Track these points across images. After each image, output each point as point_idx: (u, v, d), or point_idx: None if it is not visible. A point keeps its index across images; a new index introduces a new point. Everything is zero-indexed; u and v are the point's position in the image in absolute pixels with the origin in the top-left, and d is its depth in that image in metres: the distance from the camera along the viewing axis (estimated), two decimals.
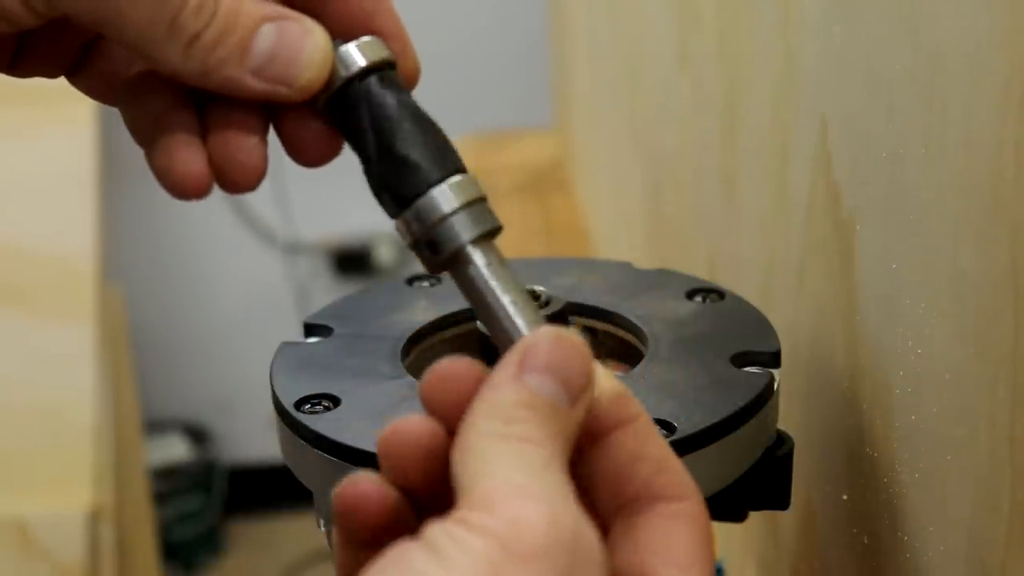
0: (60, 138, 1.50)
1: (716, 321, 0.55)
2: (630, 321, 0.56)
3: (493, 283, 0.40)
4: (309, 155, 0.44)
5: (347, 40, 0.43)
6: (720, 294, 0.57)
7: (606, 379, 0.38)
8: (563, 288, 0.57)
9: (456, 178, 0.41)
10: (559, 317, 0.52)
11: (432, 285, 0.60)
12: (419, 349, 0.56)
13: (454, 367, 0.37)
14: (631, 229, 1.08)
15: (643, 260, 0.80)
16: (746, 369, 0.51)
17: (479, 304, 0.40)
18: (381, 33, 0.43)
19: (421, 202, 0.41)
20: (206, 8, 0.41)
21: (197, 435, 2.42)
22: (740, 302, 0.57)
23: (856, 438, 0.53)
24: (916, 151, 0.44)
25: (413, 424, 0.37)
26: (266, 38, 0.42)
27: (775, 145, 0.61)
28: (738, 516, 0.52)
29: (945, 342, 0.44)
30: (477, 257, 0.40)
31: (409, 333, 0.55)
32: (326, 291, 2.34)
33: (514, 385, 0.36)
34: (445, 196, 0.41)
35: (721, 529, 0.51)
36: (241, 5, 0.42)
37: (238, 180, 0.43)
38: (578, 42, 1.42)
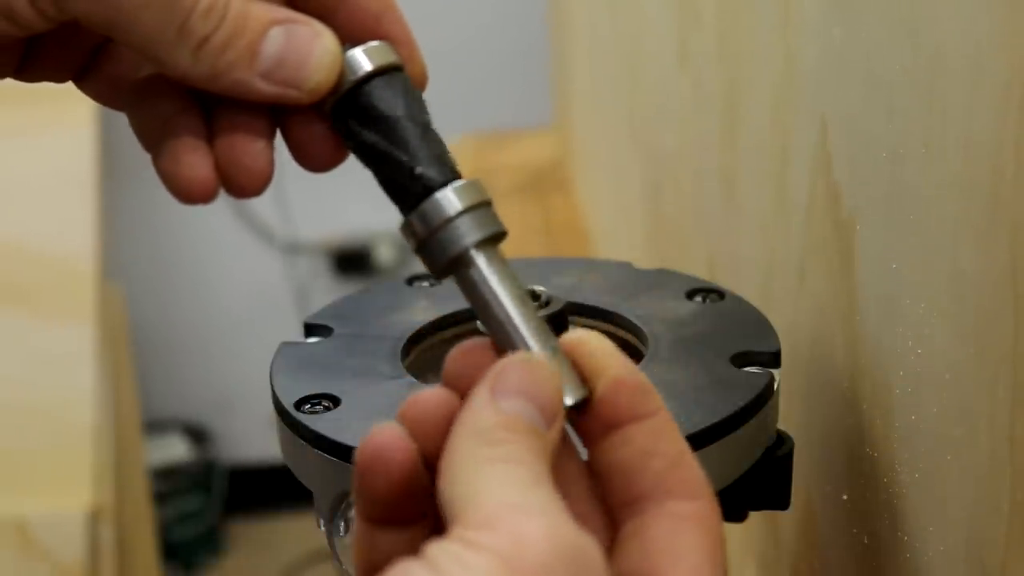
0: (60, 138, 1.50)
1: (716, 321, 0.55)
2: (630, 321, 0.56)
3: (496, 288, 0.40)
4: (316, 160, 0.44)
5: (355, 45, 0.43)
6: (720, 294, 0.57)
7: (625, 368, 0.38)
8: (563, 288, 0.57)
9: (462, 181, 0.41)
10: (559, 317, 0.52)
11: (432, 285, 0.60)
12: (419, 349, 0.56)
13: (476, 341, 0.39)
14: (631, 229, 1.08)
15: (643, 260, 0.80)
16: (746, 369, 0.51)
17: (481, 308, 0.40)
18: (389, 38, 0.43)
19: (426, 205, 0.41)
20: (215, 11, 0.41)
21: (197, 435, 2.42)
22: (740, 302, 0.57)
23: (856, 438, 0.53)
24: (916, 151, 0.44)
25: (433, 394, 0.37)
26: (275, 41, 0.42)
27: (775, 145, 0.61)
28: (738, 516, 0.52)
29: (945, 342, 0.44)
30: (480, 261, 0.40)
31: (409, 333, 0.55)
32: (326, 291, 2.34)
33: (492, 408, 0.36)
34: (449, 199, 0.41)
35: None
36: (250, 8, 0.42)
37: (244, 184, 0.43)
38: (578, 41, 1.42)
